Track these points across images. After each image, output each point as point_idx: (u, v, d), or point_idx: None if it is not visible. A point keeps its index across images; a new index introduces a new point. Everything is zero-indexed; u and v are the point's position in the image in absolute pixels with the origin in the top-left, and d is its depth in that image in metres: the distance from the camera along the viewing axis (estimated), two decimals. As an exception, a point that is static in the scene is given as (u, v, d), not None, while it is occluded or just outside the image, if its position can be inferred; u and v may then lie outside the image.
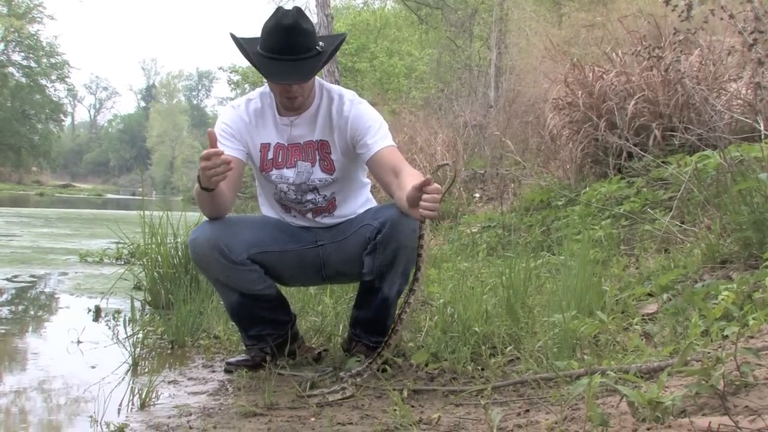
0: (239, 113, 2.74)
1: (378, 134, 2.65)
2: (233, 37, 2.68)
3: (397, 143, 2.80)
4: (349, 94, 2.74)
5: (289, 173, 2.72)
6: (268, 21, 2.57)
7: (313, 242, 2.77)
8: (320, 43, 2.61)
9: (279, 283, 2.85)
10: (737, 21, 3.32)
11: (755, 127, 3.54)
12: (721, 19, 3.37)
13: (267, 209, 2.86)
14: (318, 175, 2.71)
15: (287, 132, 2.72)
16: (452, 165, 3.08)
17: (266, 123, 2.75)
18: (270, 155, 2.74)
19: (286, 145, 2.73)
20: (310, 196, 2.75)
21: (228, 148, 2.62)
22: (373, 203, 2.89)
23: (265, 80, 2.72)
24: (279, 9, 2.58)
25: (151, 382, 2.39)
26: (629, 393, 1.61)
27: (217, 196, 2.56)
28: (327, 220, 2.79)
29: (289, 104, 2.67)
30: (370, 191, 2.96)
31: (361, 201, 2.84)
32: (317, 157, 2.71)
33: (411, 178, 2.42)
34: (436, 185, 2.25)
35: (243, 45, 2.64)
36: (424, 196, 2.25)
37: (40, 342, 3.43)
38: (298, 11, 2.58)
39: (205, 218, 2.72)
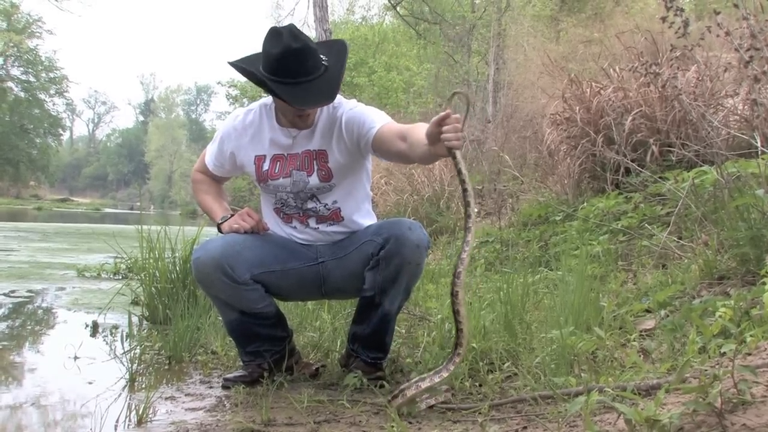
0: (234, 125, 2.82)
1: (373, 119, 2.63)
2: (236, 65, 2.62)
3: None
4: (343, 100, 2.75)
5: (285, 182, 2.73)
6: (272, 46, 2.51)
7: (314, 259, 2.76)
8: (322, 57, 2.60)
9: (278, 299, 2.84)
10: (733, 38, 3.33)
11: (752, 143, 3.55)
12: (718, 35, 3.38)
13: (269, 221, 2.85)
14: (315, 183, 2.71)
15: (287, 142, 2.72)
16: (465, 93, 2.81)
17: (262, 135, 2.76)
18: (266, 167, 2.74)
19: (285, 155, 2.73)
20: (310, 205, 2.74)
21: (218, 169, 2.90)
22: (374, 218, 2.89)
23: (266, 93, 2.73)
24: (278, 31, 2.54)
25: (148, 398, 2.38)
26: (627, 410, 1.61)
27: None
28: (332, 228, 2.77)
29: (302, 123, 2.68)
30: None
31: (364, 212, 2.83)
32: (314, 167, 2.70)
33: (421, 128, 2.38)
34: (454, 116, 2.23)
35: (251, 71, 2.58)
36: (445, 128, 2.22)
37: (37, 357, 3.42)
38: (296, 30, 2.55)
39: (207, 237, 2.72)
